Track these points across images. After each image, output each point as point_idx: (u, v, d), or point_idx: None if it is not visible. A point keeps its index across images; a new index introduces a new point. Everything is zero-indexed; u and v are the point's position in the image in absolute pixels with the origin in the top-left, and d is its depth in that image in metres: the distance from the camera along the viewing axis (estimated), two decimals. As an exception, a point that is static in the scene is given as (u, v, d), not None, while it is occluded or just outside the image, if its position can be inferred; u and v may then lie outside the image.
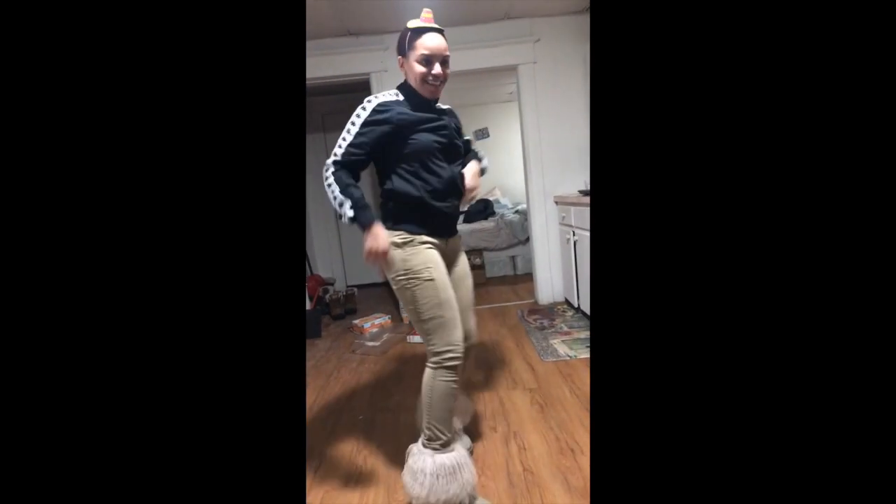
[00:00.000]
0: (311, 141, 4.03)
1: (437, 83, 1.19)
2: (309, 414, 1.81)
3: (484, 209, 4.31)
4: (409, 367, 2.19)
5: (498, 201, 4.70)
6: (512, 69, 2.89)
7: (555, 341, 2.27)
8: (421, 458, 1.12)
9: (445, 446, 1.13)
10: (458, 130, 1.30)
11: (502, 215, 4.15)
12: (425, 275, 1.13)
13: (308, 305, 3.00)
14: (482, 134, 5.16)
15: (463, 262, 1.33)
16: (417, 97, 1.20)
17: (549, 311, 2.81)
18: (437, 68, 1.17)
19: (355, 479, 1.35)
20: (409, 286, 1.13)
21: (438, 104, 1.29)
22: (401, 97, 1.20)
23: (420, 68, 1.16)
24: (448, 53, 1.19)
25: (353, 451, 1.50)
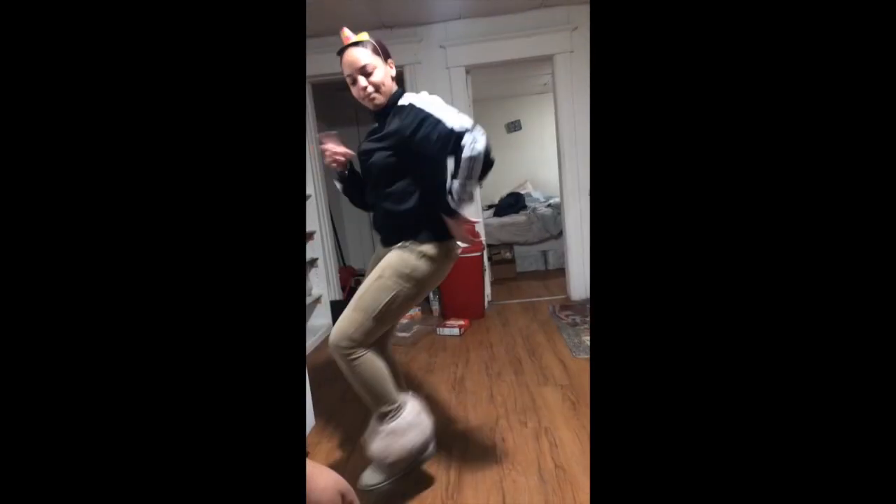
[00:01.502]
0: (346, 133, 4.09)
1: (369, 96, 1.18)
2: (340, 403, 1.85)
3: (515, 203, 4.26)
4: (438, 359, 2.20)
5: (530, 195, 4.63)
6: (547, 59, 2.83)
7: (587, 338, 2.22)
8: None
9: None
10: (388, 140, 1.14)
11: (534, 209, 4.09)
12: None
13: (340, 296, 3.07)
14: (514, 126, 5.09)
15: (377, 268, 1.21)
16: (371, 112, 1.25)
17: (582, 307, 2.75)
18: (361, 82, 1.16)
19: (386, 467, 1.37)
20: None
21: (403, 101, 1.18)
22: None
23: (352, 89, 1.20)
24: (365, 63, 1.14)
25: (383, 439, 1.52)
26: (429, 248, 1.17)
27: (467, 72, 2.87)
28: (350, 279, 3.42)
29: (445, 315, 2.81)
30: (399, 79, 2.94)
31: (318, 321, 2.86)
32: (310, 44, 2.60)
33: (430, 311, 3.03)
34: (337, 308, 2.91)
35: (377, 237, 1.30)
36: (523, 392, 1.76)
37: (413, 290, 1.17)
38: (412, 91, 1.31)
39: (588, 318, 2.52)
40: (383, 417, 1.18)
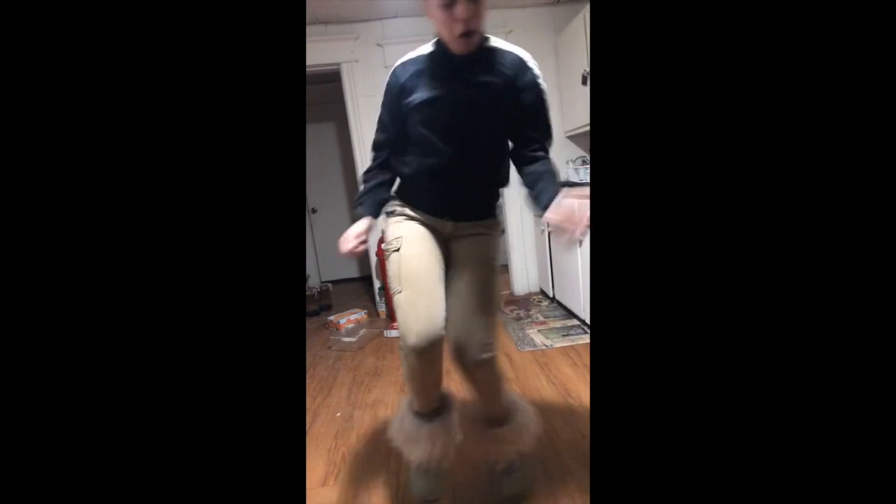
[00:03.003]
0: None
1: (465, 33, 0.86)
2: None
3: (459, 201, 4.29)
4: (387, 363, 2.17)
5: (473, 193, 4.69)
6: (484, 60, 2.88)
7: (531, 331, 2.29)
8: (400, 415, 1.12)
9: (420, 416, 1.07)
10: (495, 92, 0.93)
11: (477, 207, 4.15)
12: (393, 246, 1.01)
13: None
14: (456, 126, 5.13)
15: (470, 251, 1.03)
16: (447, 54, 0.93)
17: (525, 302, 2.84)
18: (459, 10, 0.83)
19: (334, 476, 1.33)
20: (385, 257, 1.06)
21: (494, 47, 0.95)
22: (431, 50, 0.98)
23: (439, 14, 0.86)
24: None
25: (330, 449, 1.48)
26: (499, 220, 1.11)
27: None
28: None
29: (392, 317, 2.78)
30: (335, 77, 2.86)
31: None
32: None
33: (377, 314, 2.98)
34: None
35: (440, 203, 1.03)
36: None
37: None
38: (349, 92, 1.16)
39: (531, 313, 2.60)
40: (495, 421, 1.09)
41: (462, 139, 0.96)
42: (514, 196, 2.98)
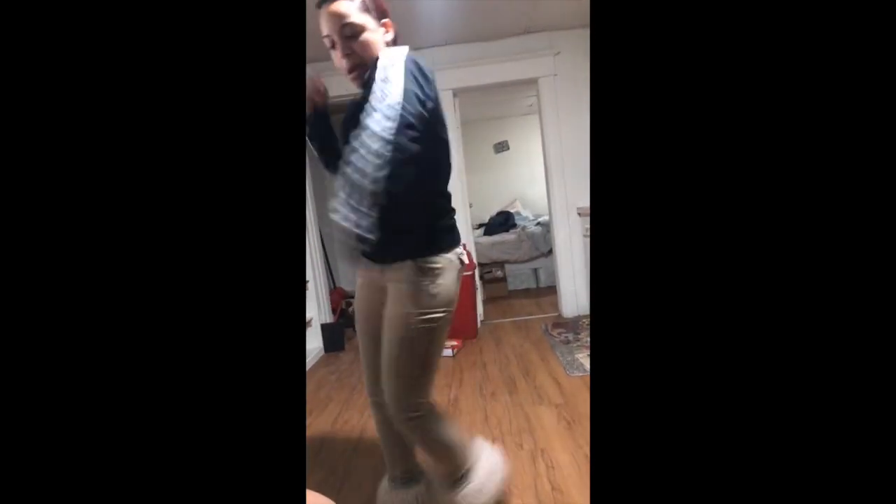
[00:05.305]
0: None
1: (347, 70, 0.85)
2: (332, 428, 1.81)
3: (505, 221, 4.29)
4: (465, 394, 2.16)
5: (519, 213, 4.67)
6: (532, 82, 2.90)
7: (580, 355, 2.21)
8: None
9: (391, 480, 1.12)
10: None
11: (524, 227, 4.12)
12: None
13: (331, 318, 3.03)
14: (502, 147, 5.17)
15: (392, 302, 0.93)
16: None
17: (574, 325, 2.75)
18: (339, 48, 0.85)
19: (380, 494, 1.33)
20: None
21: (387, 62, 0.82)
22: None
23: (333, 57, 0.88)
24: (347, 20, 0.81)
25: (378, 466, 1.49)
26: (443, 261, 0.92)
27: (455, 95, 2.93)
28: (341, 301, 3.39)
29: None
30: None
31: (308, 344, 2.82)
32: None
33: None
34: (328, 331, 2.86)
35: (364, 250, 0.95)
36: (518, 413, 1.73)
37: (447, 314, 0.94)
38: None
39: (581, 336, 2.51)
40: (457, 480, 1.03)
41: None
42: (560, 219, 2.94)
